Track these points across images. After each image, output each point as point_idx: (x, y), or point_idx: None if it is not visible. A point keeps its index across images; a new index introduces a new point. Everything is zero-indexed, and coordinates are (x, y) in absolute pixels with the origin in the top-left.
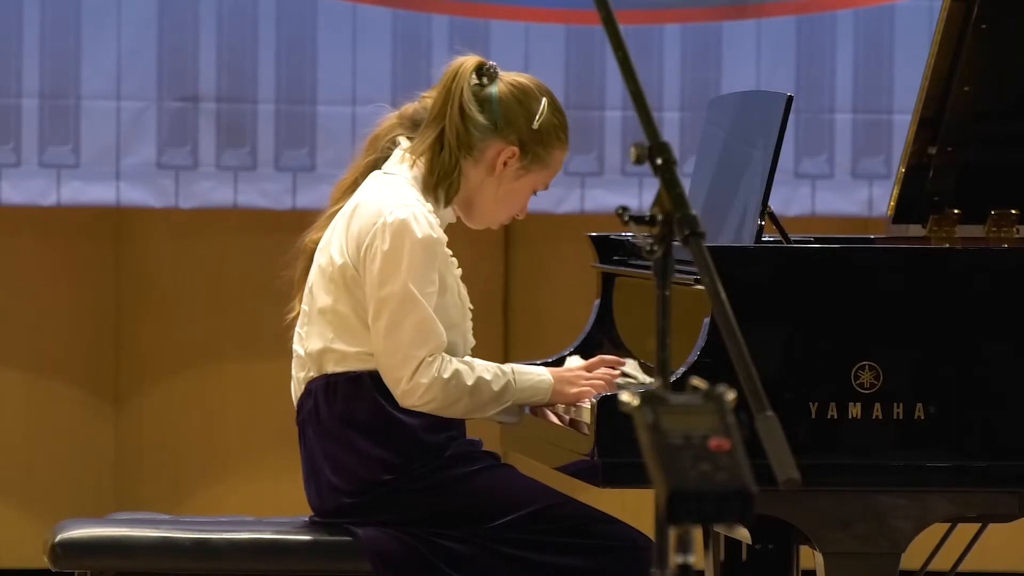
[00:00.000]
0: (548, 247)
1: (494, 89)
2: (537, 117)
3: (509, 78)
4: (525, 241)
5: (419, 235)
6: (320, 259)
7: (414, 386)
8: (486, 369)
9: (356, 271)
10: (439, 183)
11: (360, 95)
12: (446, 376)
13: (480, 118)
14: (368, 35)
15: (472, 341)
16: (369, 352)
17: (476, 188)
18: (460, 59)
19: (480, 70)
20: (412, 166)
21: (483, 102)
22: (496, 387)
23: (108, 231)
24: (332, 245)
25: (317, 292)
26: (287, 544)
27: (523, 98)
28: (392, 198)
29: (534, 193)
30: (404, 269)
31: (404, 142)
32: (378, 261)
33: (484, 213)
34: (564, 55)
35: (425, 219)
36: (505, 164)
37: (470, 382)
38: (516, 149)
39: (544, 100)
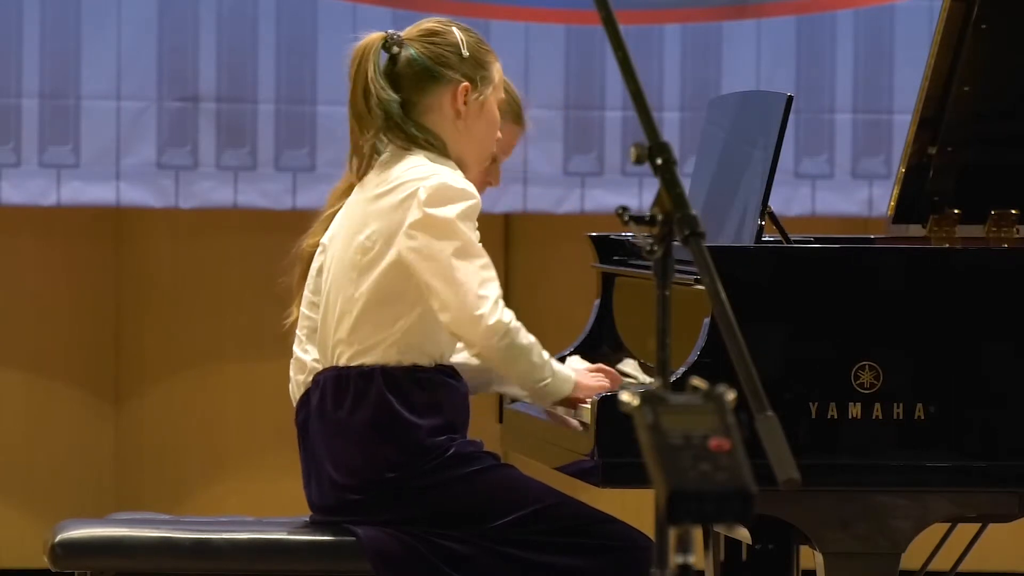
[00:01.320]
0: (548, 247)
1: (411, 50)
2: (462, 46)
3: (414, 33)
4: (525, 241)
5: (462, 190)
6: (345, 251)
7: (498, 325)
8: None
9: (395, 249)
10: (435, 151)
11: None
12: (516, 325)
13: (390, 94)
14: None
15: None
16: (383, 345)
17: (454, 139)
18: (360, 43)
19: (387, 43)
20: (408, 146)
21: (405, 68)
22: (544, 357)
23: (108, 231)
24: (361, 235)
25: (337, 282)
26: (287, 544)
27: (439, 39)
28: (421, 172)
29: (503, 115)
30: (457, 220)
31: (384, 142)
32: (430, 223)
33: (473, 156)
34: (564, 55)
35: (461, 179)
36: (465, 103)
37: (529, 340)
38: (466, 84)
39: (453, 28)
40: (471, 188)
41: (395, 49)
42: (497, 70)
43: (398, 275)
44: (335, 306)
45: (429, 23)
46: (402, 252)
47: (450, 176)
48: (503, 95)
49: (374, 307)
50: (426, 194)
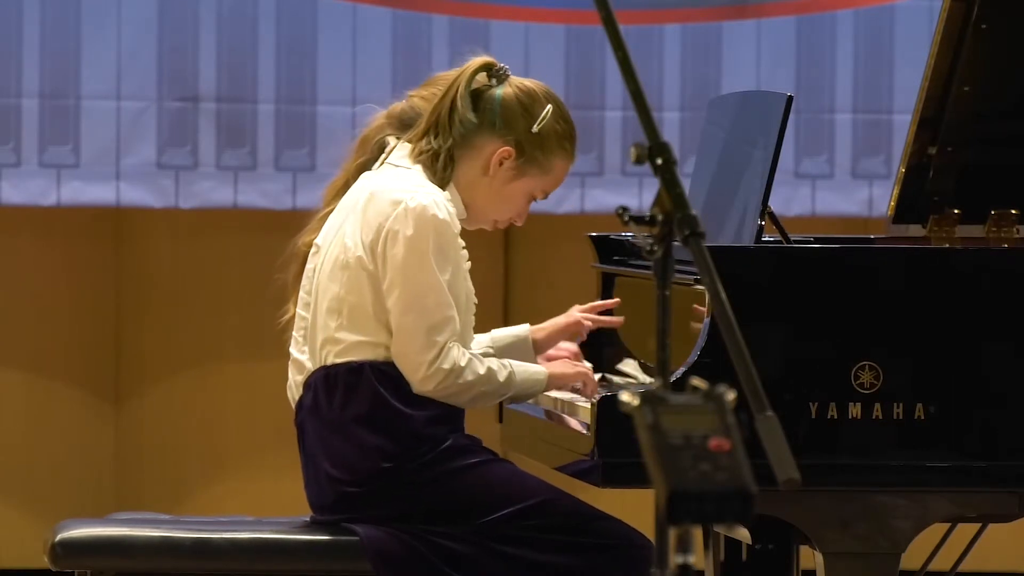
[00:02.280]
0: (548, 247)
1: (499, 90)
2: (538, 121)
3: (518, 81)
4: (525, 241)
5: (441, 218)
6: (333, 250)
7: (435, 372)
8: (491, 361)
9: (373, 260)
10: (439, 173)
11: (360, 95)
12: (463, 364)
13: (470, 115)
14: (368, 35)
15: (472, 337)
16: (372, 342)
17: (471, 185)
18: (471, 59)
19: (490, 70)
20: (417, 161)
21: (485, 101)
22: (501, 378)
23: (108, 231)
24: (346, 235)
25: (325, 282)
26: (287, 544)
27: (527, 101)
28: (410, 185)
29: (533, 200)
30: (428, 254)
31: (392, 142)
32: (400, 245)
33: (477, 212)
34: (564, 55)
35: (445, 207)
36: (501, 164)
37: (482, 371)
38: (511, 150)
39: (549, 107)
40: (450, 217)
41: (493, 80)
42: (558, 168)
43: (379, 282)
44: (323, 304)
45: (539, 86)
46: (378, 265)
47: (435, 197)
48: (546, 192)
49: (360, 307)
50: (407, 215)
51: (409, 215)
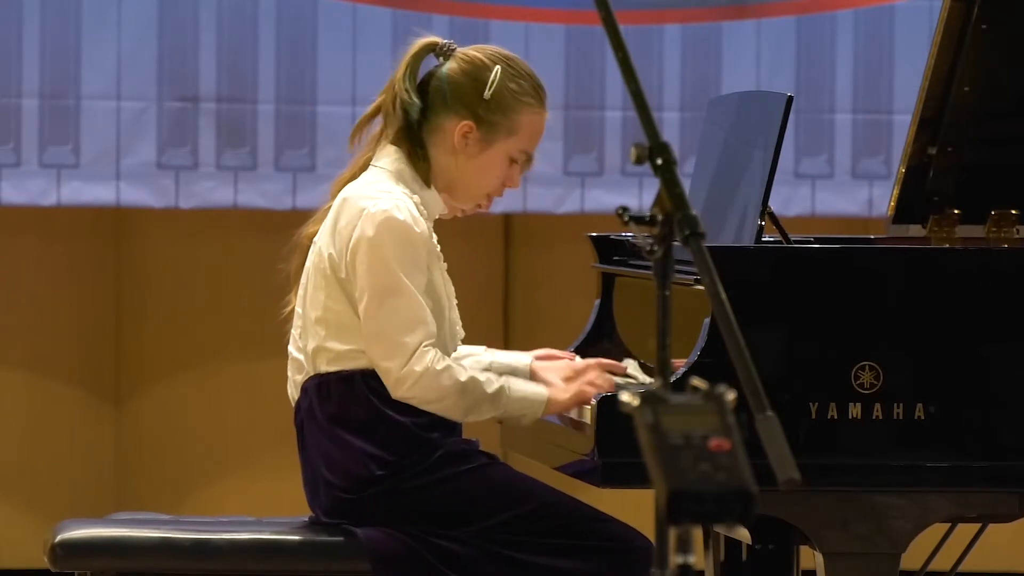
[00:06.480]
0: (548, 247)
1: (445, 67)
2: (488, 87)
3: (461, 53)
4: (525, 241)
5: (402, 224)
6: (313, 255)
7: (407, 374)
8: (480, 372)
9: (345, 270)
10: (414, 167)
11: (360, 95)
12: (439, 368)
13: (412, 99)
14: (368, 35)
15: (462, 333)
16: (360, 350)
17: (448, 168)
18: (415, 41)
19: (435, 48)
20: (392, 158)
21: (434, 81)
22: (489, 389)
23: (108, 231)
24: (323, 243)
25: (311, 290)
26: (287, 544)
27: (472, 70)
28: (375, 191)
29: (517, 162)
30: (391, 257)
31: None
32: (364, 250)
33: (464, 191)
34: (564, 55)
35: (408, 211)
36: (465, 138)
37: (463, 378)
38: (470, 123)
39: (497, 68)
40: (413, 220)
41: (440, 59)
42: (528, 123)
43: (354, 291)
44: (311, 311)
45: (481, 51)
46: (349, 274)
47: (397, 202)
48: (525, 150)
49: (344, 316)
50: (368, 220)
51: (370, 220)
